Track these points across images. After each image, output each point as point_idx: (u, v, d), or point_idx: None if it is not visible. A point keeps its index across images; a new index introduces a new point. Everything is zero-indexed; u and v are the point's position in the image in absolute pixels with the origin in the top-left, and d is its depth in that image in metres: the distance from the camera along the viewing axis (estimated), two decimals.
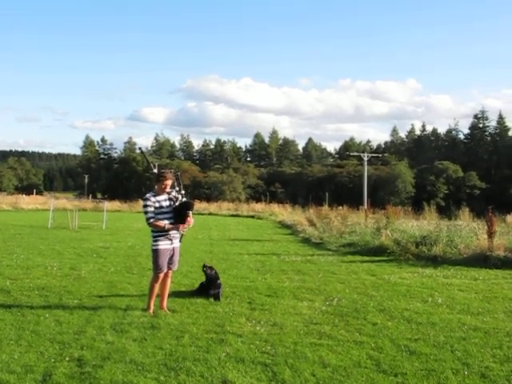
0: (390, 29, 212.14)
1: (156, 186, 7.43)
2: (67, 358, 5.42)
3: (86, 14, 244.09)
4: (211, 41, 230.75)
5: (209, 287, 8.45)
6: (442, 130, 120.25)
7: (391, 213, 19.08)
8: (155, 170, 7.66)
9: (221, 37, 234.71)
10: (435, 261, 13.11)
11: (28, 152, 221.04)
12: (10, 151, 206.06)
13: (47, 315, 7.10)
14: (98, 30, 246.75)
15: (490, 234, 13.48)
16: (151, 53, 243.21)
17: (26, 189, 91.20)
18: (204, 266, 8.71)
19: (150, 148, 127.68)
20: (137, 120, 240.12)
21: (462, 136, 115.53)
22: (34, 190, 78.95)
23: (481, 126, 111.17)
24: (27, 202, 47.10)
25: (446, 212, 29.02)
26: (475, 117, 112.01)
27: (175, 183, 7.58)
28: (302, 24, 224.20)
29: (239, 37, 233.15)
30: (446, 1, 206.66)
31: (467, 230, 15.50)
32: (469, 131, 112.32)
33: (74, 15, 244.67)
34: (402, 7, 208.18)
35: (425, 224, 17.89)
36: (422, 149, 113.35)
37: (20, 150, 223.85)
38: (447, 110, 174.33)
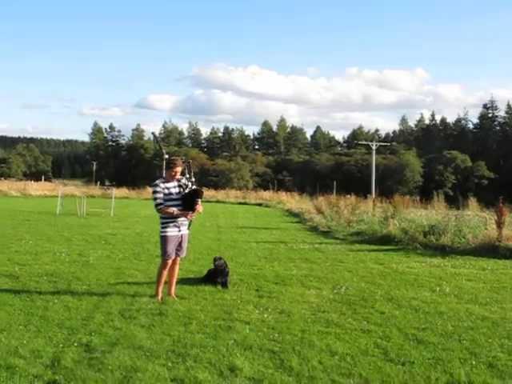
0: (398, 18, 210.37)
1: (166, 173, 7.43)
2: (75, 344, 5.46)
3: (93, 1, 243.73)
4: (218, 28, 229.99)
5: (217, 275, 8.47)
6: (450, 120, 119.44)
7: (399, 202, 19.03)
8: (166, 156, 7.63)
9: (228, 24, 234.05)
10: (443, 250, 13.08)
11: (36, 139, 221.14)
12: (19, 138, 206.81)
13: (56, 301, 7.14)
14: (105, 17, 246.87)
15: (500, 224, 13.41)
16: (158, 40, 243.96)
17: (35, 175, 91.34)
18: (214, 259, 8.68)
19: (158, 135, 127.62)
20: (144, 107, 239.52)
21: (471, 125, 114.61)
22: (43, 177, 79.27)
23: (490, 115, 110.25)
24: (36, 188, 47.26)
25: (454, 202, 28.82)
26: (484, 106, 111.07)
27: (186, 170, 7.57)
28: (310, 12, 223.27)
29: (246, 25, 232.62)
30: None
31: (476, 220, 15.44)
32: (478, 121, 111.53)
33: (81, 2, 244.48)
34: None
35: (433, 214, 17.80)
36: (430, 138, 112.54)
37: (28, 136, 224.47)
38: (456, 100, 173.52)
